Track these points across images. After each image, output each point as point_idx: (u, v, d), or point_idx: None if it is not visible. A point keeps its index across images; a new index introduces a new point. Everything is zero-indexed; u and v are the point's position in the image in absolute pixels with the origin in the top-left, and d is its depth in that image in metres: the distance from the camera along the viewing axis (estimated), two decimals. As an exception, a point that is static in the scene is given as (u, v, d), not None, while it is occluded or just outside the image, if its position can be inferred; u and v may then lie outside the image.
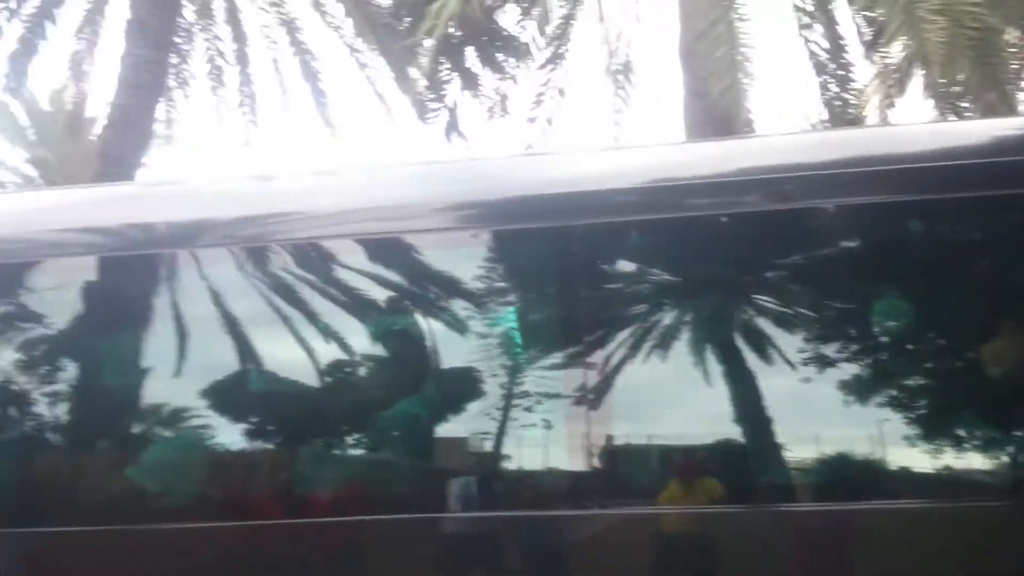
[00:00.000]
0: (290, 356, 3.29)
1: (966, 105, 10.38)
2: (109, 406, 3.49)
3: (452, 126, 12.71)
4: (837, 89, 10.92)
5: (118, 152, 11.46)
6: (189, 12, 12.93)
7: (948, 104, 10.84)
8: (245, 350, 3.35)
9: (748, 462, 3.02)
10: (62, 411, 3.51)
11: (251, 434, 3.38)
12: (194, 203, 3.63)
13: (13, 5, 12.35)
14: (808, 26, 10.92)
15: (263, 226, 3.46)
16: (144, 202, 3.85)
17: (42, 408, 3.46)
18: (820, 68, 10.88)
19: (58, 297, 3.49)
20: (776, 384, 2.96)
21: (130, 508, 3.26)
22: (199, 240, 3.45)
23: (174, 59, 12.91)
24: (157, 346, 3.41)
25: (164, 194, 3.94)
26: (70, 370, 3.56)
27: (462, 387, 3.18)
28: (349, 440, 3.38)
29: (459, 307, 3.26)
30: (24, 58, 12.52)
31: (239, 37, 13.49)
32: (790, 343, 2.99)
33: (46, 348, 3.54)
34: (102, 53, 12.94)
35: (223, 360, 3.31)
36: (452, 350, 3.25)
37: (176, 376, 3.37)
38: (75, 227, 3.58)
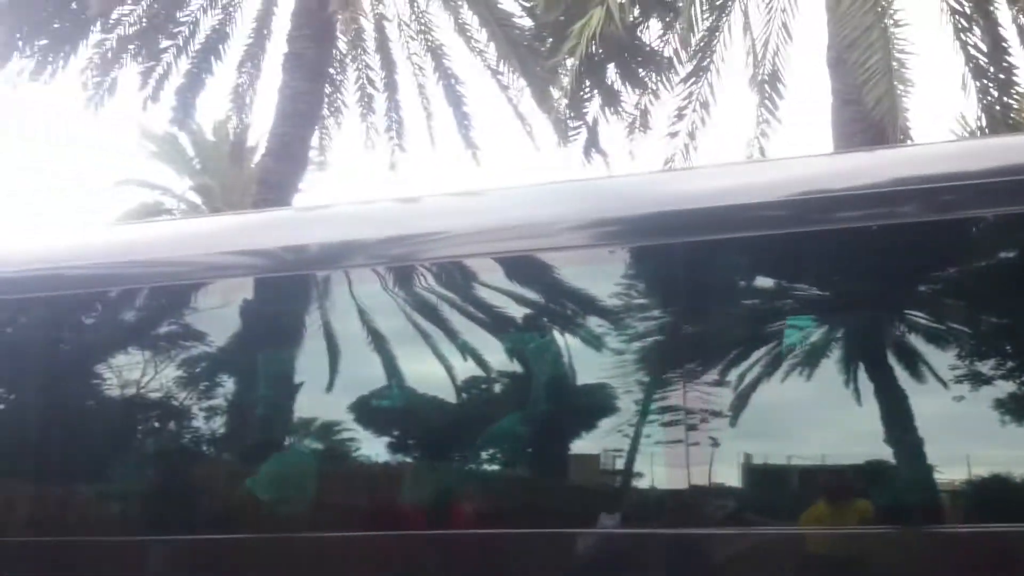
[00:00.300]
0: (426, 372, 3.38)
1: None
2: (256, 418, 3.69)
3: (592, 143, 12.74)
4: (997, 94, 10.33)
5: (277, 179, 12.07)
6: (342, 43, 13.47)
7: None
8: (387, 366, 3.47)
9: (898, 483, 2.89)
10: (218, 424, 3.73)
11: (384, 448, 3.50)
12: (343, 226, 3.79)
13: (180, 43, 13.23)
14: (966, 28, 10.39)
15: (408, 246, 3.57)
16: (298, 226, 4.05)
17: (199, 421, 3.70)
18: (979, 72, 10.33)
19: (223, 315, 3.70)
20: (928, 402, 2.82)
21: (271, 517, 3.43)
22: (348, 261, 3.59)
23: (328, 89, 13.49)
24: (306, 362, 3.58)
25: (314, 218, 4.13)
26: (228, 384, 3.78)
27: (590, 402, 3.19)
28: (469, 455, 3.43)
29: (595, 324, 3.27)
30: (191, 92, 13.37)
31: (387, 65, 13.96)
32: (944, 360, 2.84)
33: (207, 363, 3.77)
34: (263, 85, 13.68)
35: (363, 375, 3.45)
36: (583, 366, 3.26)
37: (320, 391, 3.51)
38: (237, 250, 3.80)
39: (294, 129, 12.17)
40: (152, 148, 22.94)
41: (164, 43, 13.20)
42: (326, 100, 13.45)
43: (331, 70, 13.37)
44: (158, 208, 22.75)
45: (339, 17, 11.08)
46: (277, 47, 12.97)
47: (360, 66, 13.91)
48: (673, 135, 12.27)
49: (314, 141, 13.40)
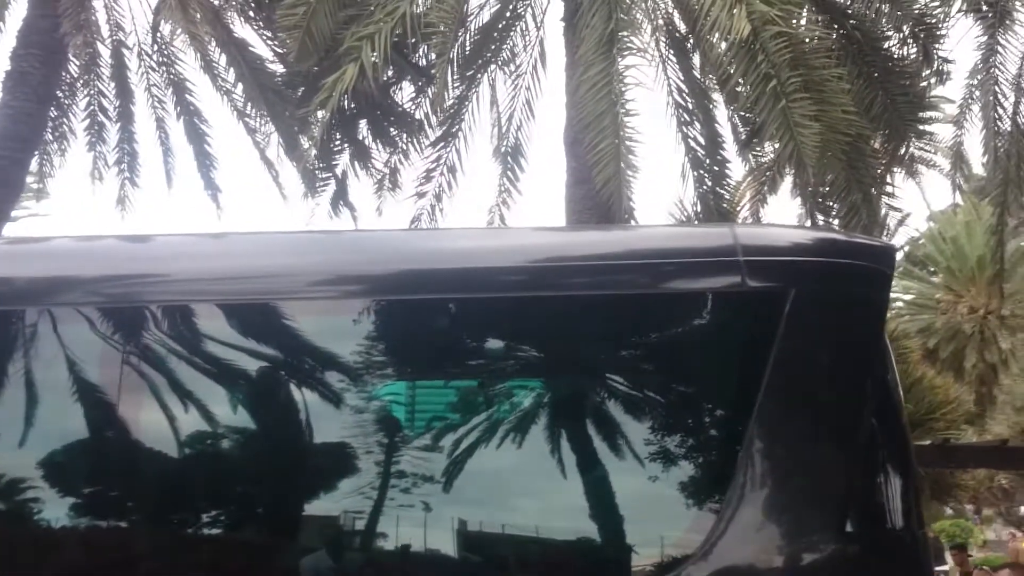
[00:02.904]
0: (143, 422, 3.16)
1: (832, 204, 11.02)
2: None
3: (340, 196, 12.70)
4: (711, 183, 11.41)
5: (-16, 204, 11.02)
6: (74, 66, 12.64)
7: (816, 203, 11.48)
8: (98, 417, 3.21)
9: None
10: None
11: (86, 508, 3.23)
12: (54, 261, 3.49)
13: None
14: (688, 123, 11.44)
15: (130, 286, 3.35)
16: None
17: None
18: (697, 163, 11.37)
19: None
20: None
21: None
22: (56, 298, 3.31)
23: (54, 113, 12.58)
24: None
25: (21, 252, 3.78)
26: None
27: (314, 461, 3.15)
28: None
29: (328, 379, 3.21)
30: None
31: (123, 94, 13.23)
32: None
33: None
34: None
35: (71, 426, 3.16)
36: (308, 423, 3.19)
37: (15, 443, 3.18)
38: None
39: (11, 152, 11.20)
40: None
41: None
42: (50, 124, 12.51)
43: (59, 93, 12.48)
44: None
45: (72, 41, 10.41)
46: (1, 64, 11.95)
47: (93, 92, 13.10)
48: (421, 195, 12.51)
49: (33, 167, 12.41)
